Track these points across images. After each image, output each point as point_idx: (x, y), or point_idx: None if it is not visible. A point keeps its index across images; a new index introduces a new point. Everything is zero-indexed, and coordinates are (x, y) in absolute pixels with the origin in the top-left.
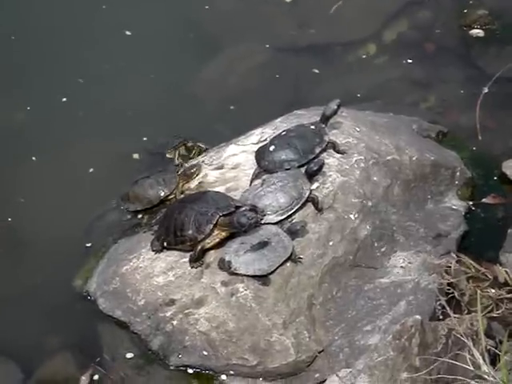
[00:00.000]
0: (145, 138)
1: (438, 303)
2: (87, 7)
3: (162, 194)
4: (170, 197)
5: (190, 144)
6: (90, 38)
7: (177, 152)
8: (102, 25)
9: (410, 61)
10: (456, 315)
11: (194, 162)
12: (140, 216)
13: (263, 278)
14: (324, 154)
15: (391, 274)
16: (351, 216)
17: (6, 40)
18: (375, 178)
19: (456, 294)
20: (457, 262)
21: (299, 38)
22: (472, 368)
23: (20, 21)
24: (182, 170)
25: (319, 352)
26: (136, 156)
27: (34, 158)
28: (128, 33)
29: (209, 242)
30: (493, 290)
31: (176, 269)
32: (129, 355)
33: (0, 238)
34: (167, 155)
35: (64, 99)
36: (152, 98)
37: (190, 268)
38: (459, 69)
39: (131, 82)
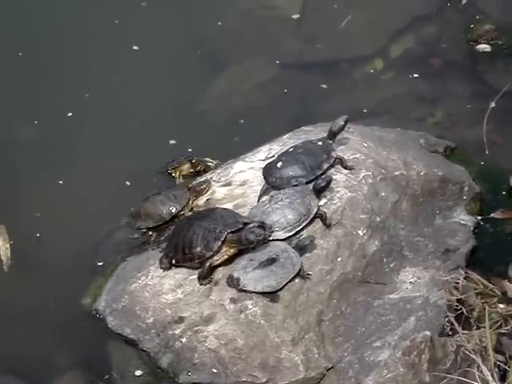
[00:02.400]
0: (152, 155)
1: (447, 319)
2: (100, 22)
3: (174, 210)
4: (182, 213)
5: (194, 160)
6: (98, 52)
7: (178, 171)
8: (110, 40)
9: (416, 76)
10: (465, 331)
11: (202, 178)
12: (149, 233)
13: (272, 295)
14: (332, 170)
15: (400, 289)
16: (359, 232)
17: (14, 56)
18: (383, 194)
19: (464, 310)
20: (465, 278)
21: (306, 54)
22: None
23: (28, 35)
24: (191, 186)
25: (329, 369)
26: (143, 173)
27: (40, 175)
28: (135, 48)
29: (217, 259)
30: (501, 306)
31: (185, 286)
32: (138, 373)
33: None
34: (171, 173)
35: (70, 114)
36: (159, 114)
37: (198, 285)
38: (466, 84)
39: (138, 98)
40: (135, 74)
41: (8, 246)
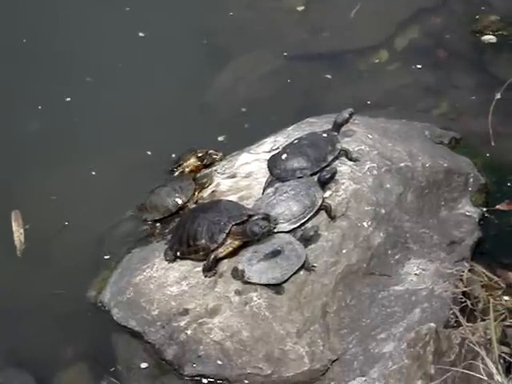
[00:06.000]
0: (156, 147)
1: (452, 311)
2: (111, 8)
3: (180, 201)
4: (188, 204)
5: (200, 154)
6: (104, 36)
7: (184, 166)
8: (118, 25)
9: (422, 67)
10: (469, 324)
11: (206, 171)
12: (153, 225)
13: (277, 287)
14: (336, 162)
15: (405, 281)
16: (364, 224)
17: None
18: (388, 186)
19: (469, 303)
20: (470, 270)
21: (311, 46)
22: (485, 378)
23: (36, 22)
24: (196, 178)
25: (334, 360)
26: (148, 165)
27: (45, 168)
28: (141, 34)
29: (222, 251)
30: (506, 298)
31: (189, 278)
32: (143, 365)
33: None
34: (176, 165)
35: (68, 99)
36: (163, 105)
37: (203, 277)
38: (471, 75)
39: (142, 88)
40: (140, 60)
41: (22, 231)
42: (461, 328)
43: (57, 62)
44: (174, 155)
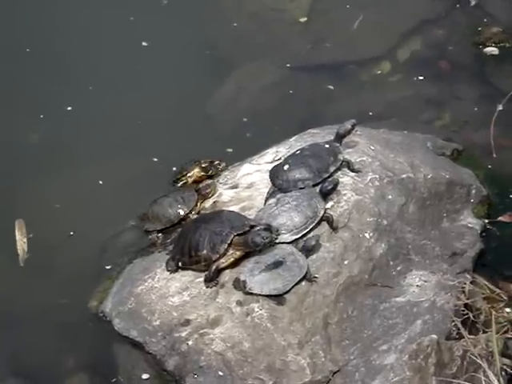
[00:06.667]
0: (157, 158)
1: (453, 324)
2: (115, 18)
3: (182, 212)
4: (190, 215)
5: (204, 164)
6: (107, 45)
7: (187, 177)
8: (121, 34)
9: (424, 78)
10: (471, 336)
11: (208, 181)
12: (155, 236)
13: (278, 298)
14: (338, 173)
15: (407, 293)
16: (366, 235)
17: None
18: (390, 197)
19: (471, 315)
20: (472, 282)
21: (313, 57)
22: None
23: (40, 31)
24: (198, 189)
25: (335, 372)
26: (150, 175)
27: (46, 178)
28: (145, 44)
29: (223, 262)
30: (508, 310)
31: (191, 289)
32: (144, 376)
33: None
34: (179, 176)
35: (70, 108)
36: (165, 115)
37: (205, 288)
38: (473, 86)
39: (144, 97)
40: (142, 70)
41: (25, 240)
42: (463, 340)
43: (60, 71)
44: (175, 168)
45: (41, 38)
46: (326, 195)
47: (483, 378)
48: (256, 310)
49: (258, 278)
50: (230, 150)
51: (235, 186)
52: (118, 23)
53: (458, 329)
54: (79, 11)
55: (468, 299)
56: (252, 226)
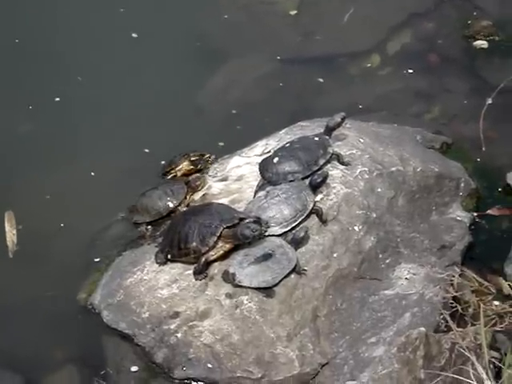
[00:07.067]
0: (147, 150)
1: (442, 316)
2: (105, 8)
3: (171, 204)
4: (179, 207)
5: (194, 158)
6: (97, 36)
7: (176, 170)
8: (111, 25)
9: (413, 72)
10: (459, 329)
11: (198, 174)
12: (144, 228)
13: (267, 290)
14: (328, 166)
15: (396, 285)
16: (355, 228)
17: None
18: (379, 190)
19: (459, 308)
20: (460, 275)
21: (304, 49)
22: (475, 383)
23: (29, 22)
24: (187, 181)
25: (324, 364)
26: (140, 167)
27: (36, 169)
28: (134, 35)
29: (213, 255)
30: (496, 303)
31: (180, 281)
32: (133, 368)
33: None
34: (168, 169)
35: (58, 99)
36: (155, 107)
37: (194, 280)
38: (463, 80)
39: (134, 89)
40: (132, 61)
41: (15, 231)
42: (451, 333)
43: (48, 62)
44: (163, 162)
45: (30, 29)
46: (315, 188)
47: (471, 370)
48: (245, 302)
49: (247, 270)
50: (220, 142)
51: (225, 179)
52: (108, 14)
53: (447, 321)
54: (68, 1)
55: (456, 292)
56: (241, 219)
